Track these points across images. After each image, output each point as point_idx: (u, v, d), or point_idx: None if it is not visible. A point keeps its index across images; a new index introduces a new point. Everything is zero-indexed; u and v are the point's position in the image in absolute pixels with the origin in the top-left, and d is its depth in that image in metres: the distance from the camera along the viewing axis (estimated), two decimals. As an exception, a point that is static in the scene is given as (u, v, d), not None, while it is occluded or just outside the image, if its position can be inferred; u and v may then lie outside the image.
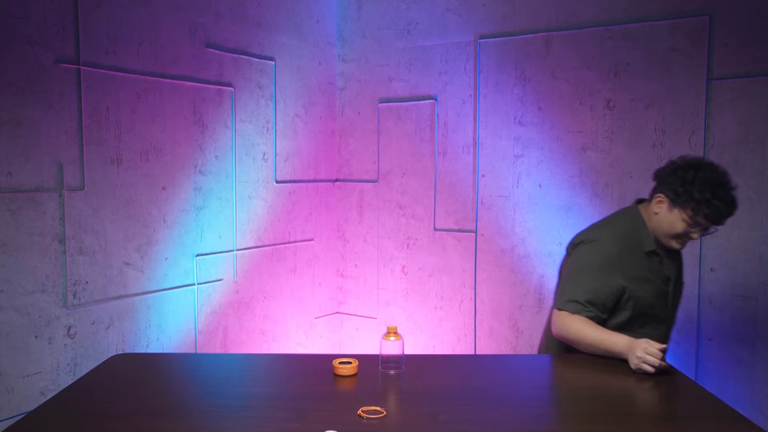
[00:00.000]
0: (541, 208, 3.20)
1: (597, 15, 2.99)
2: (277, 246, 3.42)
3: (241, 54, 3.14)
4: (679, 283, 2.17)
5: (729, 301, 2.77)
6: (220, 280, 3.10)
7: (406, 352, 1.89)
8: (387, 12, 3.61)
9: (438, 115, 3.46)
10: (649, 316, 2.06)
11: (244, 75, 3.18)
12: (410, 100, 3.55)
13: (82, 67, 2.48)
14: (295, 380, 1.84)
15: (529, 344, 3.26)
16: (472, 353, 3.38)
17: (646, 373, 1.79)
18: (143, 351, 2.74)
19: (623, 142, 2.96)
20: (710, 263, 2.81)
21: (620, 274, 2.02)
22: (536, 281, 3.22)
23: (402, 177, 3.61)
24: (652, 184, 2.92)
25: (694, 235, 2.01)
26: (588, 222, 3.05)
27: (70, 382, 1.98)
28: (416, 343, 3.55)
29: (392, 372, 1.85)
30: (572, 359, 2.02)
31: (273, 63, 3.33)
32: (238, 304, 3.21)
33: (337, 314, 3.86)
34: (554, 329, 2.04)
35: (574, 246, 2.15)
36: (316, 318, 3.70)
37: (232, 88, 3.11)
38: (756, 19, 2.67)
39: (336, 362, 1.83)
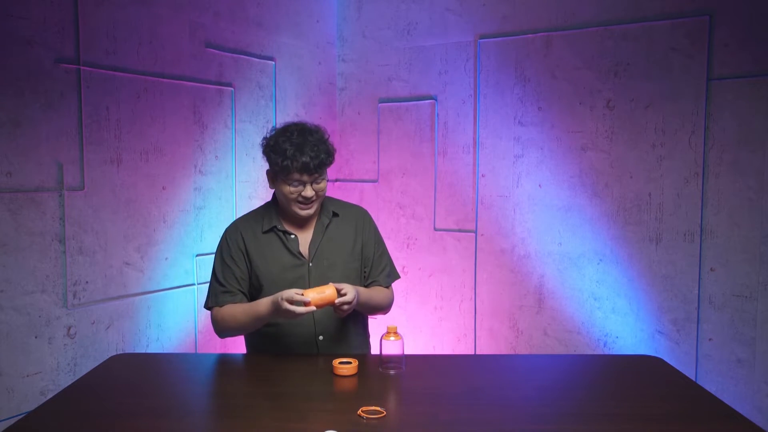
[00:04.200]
0: (541, 208, 3.19)
1: (597, 15, 2.99)
2: (277, 246, 3.42)
3: (241, 54, 3.14)
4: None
5: (729, 301, 2.77)
6: (220, 280, 3.10)
7: (406, 352, 1.89)
8: (387, 12, 3.60)
9: (438, 115, 3.46)
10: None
11: (244, 75, 3.18)
12: (410, 100, 3.55)
13: (82, 67, 2.48)
14: (295, 380, 1.84)
15: (529, 344, 3.25)
16: (472, 353, 3.38)
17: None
18: (143, 351, 2.74)
19: (623, 142, 2.96)
20: (710, 263, 2.81)
21: None
22: (536, 281, 3.22)
23: (402, 177, 3.61)
24: (652, 184, 2.95)
25: (305, 192, 1.94)
26: (588, 221, 3.06)
27: (70, 382, 1.98)
28: (416, 343, 3.55)
29: (392, 372, 1.85)
30: (572, 359, 2.02)
31: (273, 63, 3.33)
32: (238, 304, 3.20)
33: (337, 314, 3.86)
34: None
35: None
36: (316, 318, 3.69)
37: (232, 88, 3.11)
38: (756, 19, 2.67)
39: (336, 362, 1.83)
